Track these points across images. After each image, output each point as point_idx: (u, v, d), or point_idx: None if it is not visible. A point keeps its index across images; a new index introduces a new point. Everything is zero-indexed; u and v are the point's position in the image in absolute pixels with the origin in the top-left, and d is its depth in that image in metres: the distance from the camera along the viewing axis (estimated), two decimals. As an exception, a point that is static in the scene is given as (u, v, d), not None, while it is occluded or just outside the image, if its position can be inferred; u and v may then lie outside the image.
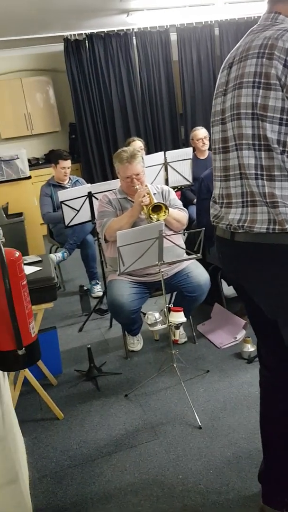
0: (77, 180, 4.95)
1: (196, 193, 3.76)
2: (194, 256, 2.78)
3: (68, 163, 4.73)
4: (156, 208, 3.06)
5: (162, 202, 3.07)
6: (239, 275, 1.73)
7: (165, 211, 3.05)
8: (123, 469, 2.36)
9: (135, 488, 2.23)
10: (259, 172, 1.50)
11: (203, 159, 5.16)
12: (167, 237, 2.77)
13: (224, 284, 3.82)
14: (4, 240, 1.87)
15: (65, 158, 4.71)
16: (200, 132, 5.11)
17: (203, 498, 2.12)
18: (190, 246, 3.16)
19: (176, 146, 7.44)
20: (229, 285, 3.92)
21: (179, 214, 3.29)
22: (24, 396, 3.03)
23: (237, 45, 1.59)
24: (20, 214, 5.39)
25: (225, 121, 1.61)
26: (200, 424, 2.59)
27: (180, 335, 3.40)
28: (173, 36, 7.33)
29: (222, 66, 1.65)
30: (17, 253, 1.90)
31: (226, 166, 1.63)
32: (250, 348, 3.17)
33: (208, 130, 5.21)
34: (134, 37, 7.14)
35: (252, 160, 1.51)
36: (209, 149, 5.25)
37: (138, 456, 2.43)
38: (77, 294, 4.54)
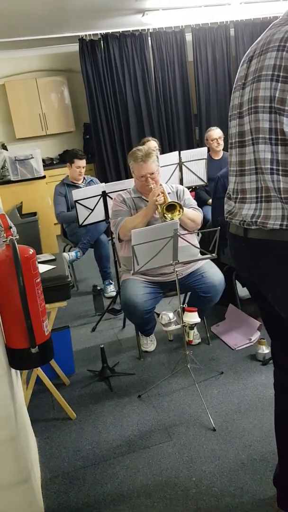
0: (91, 180, 4.94)
1: (212, 192, 3.72)
2: (209, 255, 2.74)
3: (83, 162, 4.73)
4: (171, 207, 3.03)
5: (176, 201, 3.05)
6: (252, 273, 1.69)
7: (179, 211, 3.02)
8: (136, 470, 2.33)
9: (148, 489, 2.20)
10: (274, 167, 1.47)
11: (217, 159, 5.12)
12: (182, 236, 2.74)
13: (238, 285, 3.78)
14: (18, 237, 1.85)
15: (80, 157, 4.71)
16: (215, 132, 5.08)
17: (217, 501, 2.09)
18: (205, 247, 3.13)
19: (190, 147, 7.39)
20: (243, 286, 3.89)
21: (194, 213, 3.26)
22: (36, 396, 3.02)
23: (258, 38, 1.55)
24: (34, 214, 5.39)
25: (242, 115, 1.58)
26: (214, 426, 2.56)
27: (194, 336, 3.36)
28: (188, 37, 7.29)
29: (242, 60, 1.62)
30: (31, 250, 1.89)
31: (242, 160, 1.60)
32: (265, 350, 3.12)
33: (223, 131, 5.18)
34: (149, 37, 7.11)
35: (268, 154, 1.48)
36: (224, 149, 5.22)
37: (151, 458, 2.41)
38: (90, 294, 4.53)
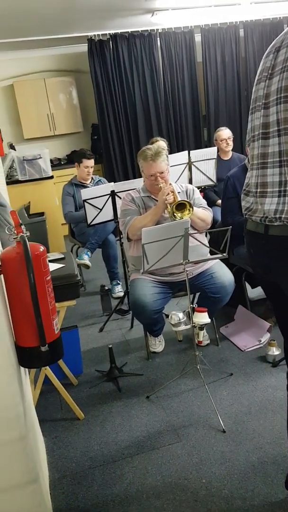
0: (99, 180, 4.93)
1: (222, 192, 3.69)
2: (219, 255, 2.71)
3: (91, 162, 4.72)
4: (180, 207, 3.00)
5: (186, 200, 3.02)
6: (271, 271, 1.66)
7: (189, 210, 2.99)
8: (145, 472, 2.31)
9: (157, 491, 2.18)
10: None
11: (226, 160, 5.09)
12: (193, 235, 2.71)
13: (248, 286, 3.75)
14: (29, 234, 1.83)
15: (89, 157, 4.70)
16: (224, 132, 5.05)
17: (228, 503, 2.06)
18: (214, 247, 3.10)
19: (198, 148, 7.34)
20: (252, 287, 3.86)
21: (204, 213, 3.23)
22: (44, 395, 3.00)
23: (286, 30, 1.51)
24: (42, 214, 5.39)
25: (268, 105, 1.53)
26: (223, 427, 2.53)
27: (203, 337, 3.34)
28: (198, 37, 7.28)
29: (267, 52, 1.56)
30: (42, 248, 1.87)
31: (264, 153, 1.56)
32: (275, 351, 3.09)
33: (232, 132, 5.15)
34: (158, 38, 7.11)
35: None
36: (233, 150, 5.19)
37: (160, 459, 2.38)
38: (97, 294, 4.51)
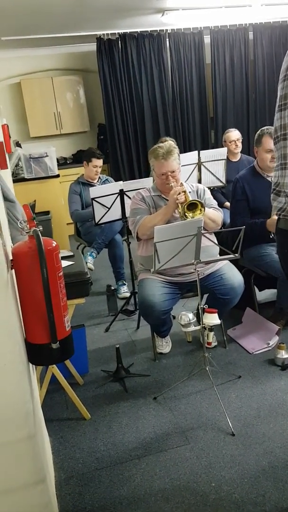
0: (106, 179, 4.90)
1: (231, 194, 3.65)
2: (231, 255, 2.67)
3: (100, 162, 4.71)
4: (192, 206, 2.96)
5: (198, 200, 2.98)
6: None
7: (201, 210, 2.95)
8: (153, 474, 2.26)
9: (166, 494, 2.13)
10: None
11: (235, 161, 5.06)
12: (206, 234, 2.68)
13: (255, 289, 3.71)
14: (41, 228, 1.80)
15: (98, 156, 4.67)
16: (233, 134, 5.02)
17: (238, 508, 2.01)
18: (222, 250, 3.05)
19: (205, 150, 7.33)
20: (260, 290, 3.82)
21: (215, 214, 3.19)
22: (50, 395, 2.96)
23: None
24: (47, 213, 5.35)
25: None
26: (233, 430, 2.49)
27: (212, 338, 3.29)
28: (207, 39, 7.23)
29: None
30: (55, 243, 1.83)
31: None
32: (284, 354, 3.05)
33: (242, 133, 5.12)
34: (167, 38, 7.07)
35: None
36: (242, 151, 5.16)
37: (169, 461, 2.34)
38: (103, 294, 4.48)
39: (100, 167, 4.73)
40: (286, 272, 1.77)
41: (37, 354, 1.87)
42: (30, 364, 1.96)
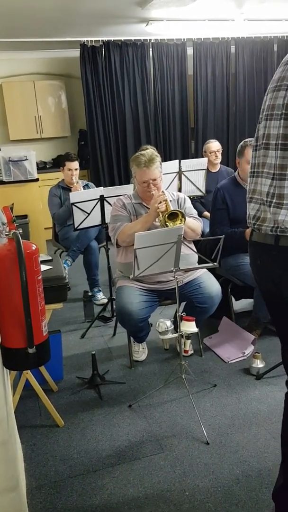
0: (86, 185, 4.87)
1: (211, 203, 3.68)
2: (210, 264, 2.69)
3: (75, 164, 4.63)
4: (172, 216, 2.97)
5: (179, 210, 2.99)
6: (281, 283, 1.62)
7: (181, 219, 2.95)
8: (126, 482, 2.24)
9: (139, 503, 2.11)
10: None
11: (214, 172, 5.10)
12: (185, 242, 2.68)
13: (232, 298, 3.74)
14: (21, 231, 1.77)
15: (71, 159, 4.61)
16: (214, 144, 5.06)
17: (211, 518, 2.01)
18: (201, 259, 3.07)
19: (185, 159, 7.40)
20: (237, 299, 3.84)
21: (195, 223, 3.21)
22: (23, 401, 2.92)
23: None
24: (25, 216, 5.30)
25: None
26: (207, 439, 2.48)
27: (188, 346, 3.30)
28: (190, 50, 7.32)
29: (283, 61, 1.55)
30: (34, 246, 1.81)
31: (284, 164, 1.52)
32: (259, 364, 3.07)
33: (221, 144, 5.17)
34: (150, 48, 7.13)
35: None
36: (221, 162, 5.20)
37: (142, 470, 2.32)
38: (79, 301, 4.45)
39: (75, 169, 4.65)
40: (258, 283, 1.78)
41: (12, 358, 1.84)
42: (4, 369, 1.92)
